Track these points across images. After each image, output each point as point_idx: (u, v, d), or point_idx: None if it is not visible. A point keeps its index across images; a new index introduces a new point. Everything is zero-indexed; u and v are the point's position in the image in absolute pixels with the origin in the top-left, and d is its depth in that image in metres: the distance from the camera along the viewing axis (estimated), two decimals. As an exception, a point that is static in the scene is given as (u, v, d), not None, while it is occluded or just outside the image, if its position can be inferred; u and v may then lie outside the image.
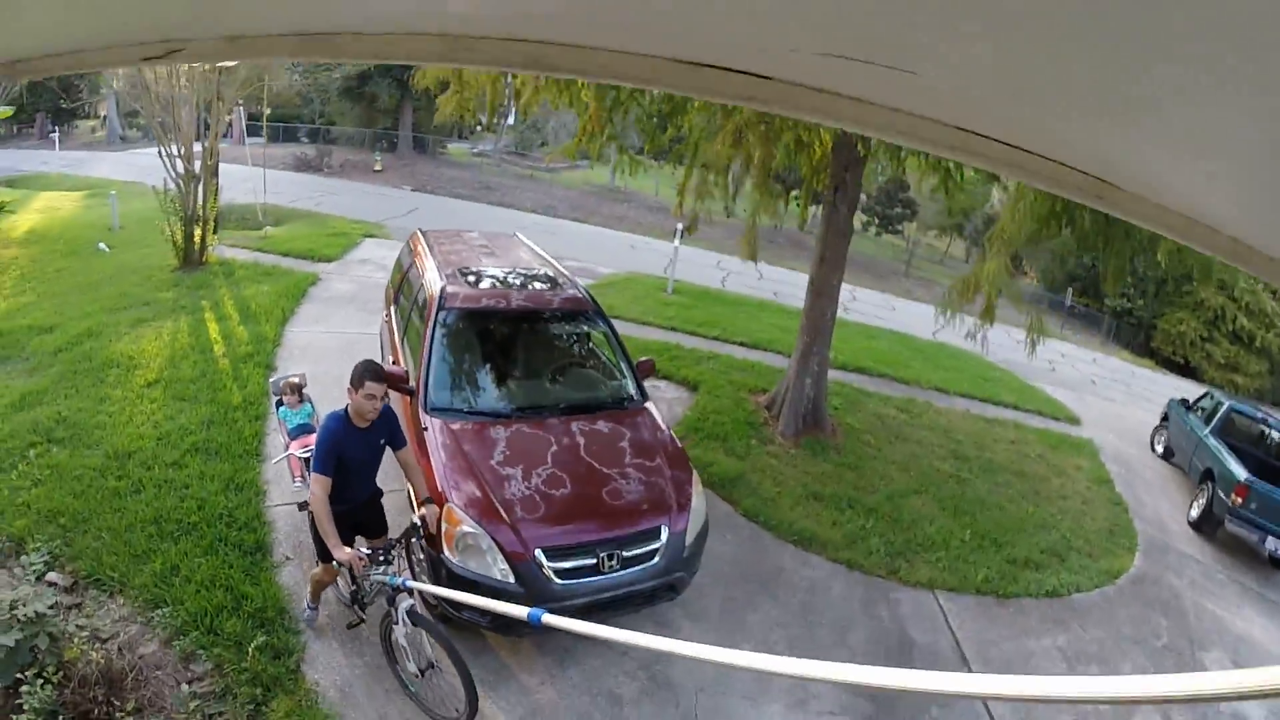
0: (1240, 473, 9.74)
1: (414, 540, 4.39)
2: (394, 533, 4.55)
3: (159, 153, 11.68)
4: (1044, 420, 12.59)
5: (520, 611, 2.35)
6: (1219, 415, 11.49)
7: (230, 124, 19.68)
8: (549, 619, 2.21)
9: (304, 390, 5.92)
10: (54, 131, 29.51)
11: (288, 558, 5.47)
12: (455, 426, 4.98)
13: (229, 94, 12.97)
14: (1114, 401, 16.22)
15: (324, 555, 4.33)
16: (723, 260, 20.32)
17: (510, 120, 32.37)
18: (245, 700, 4.23)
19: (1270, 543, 9.21)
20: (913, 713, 5.37)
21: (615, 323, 11.40)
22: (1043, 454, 10.90)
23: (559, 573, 4.28)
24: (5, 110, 11.26)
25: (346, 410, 4.16)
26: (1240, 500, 9.45)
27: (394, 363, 6.24)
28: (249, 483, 6.25)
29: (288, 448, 5.49)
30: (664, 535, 4.69)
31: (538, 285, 6.54)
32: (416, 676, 4.31)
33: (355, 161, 26.81)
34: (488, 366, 5.74)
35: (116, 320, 9.53)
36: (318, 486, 3.98)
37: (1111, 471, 10.90)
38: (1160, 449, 12.71)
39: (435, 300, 5.78)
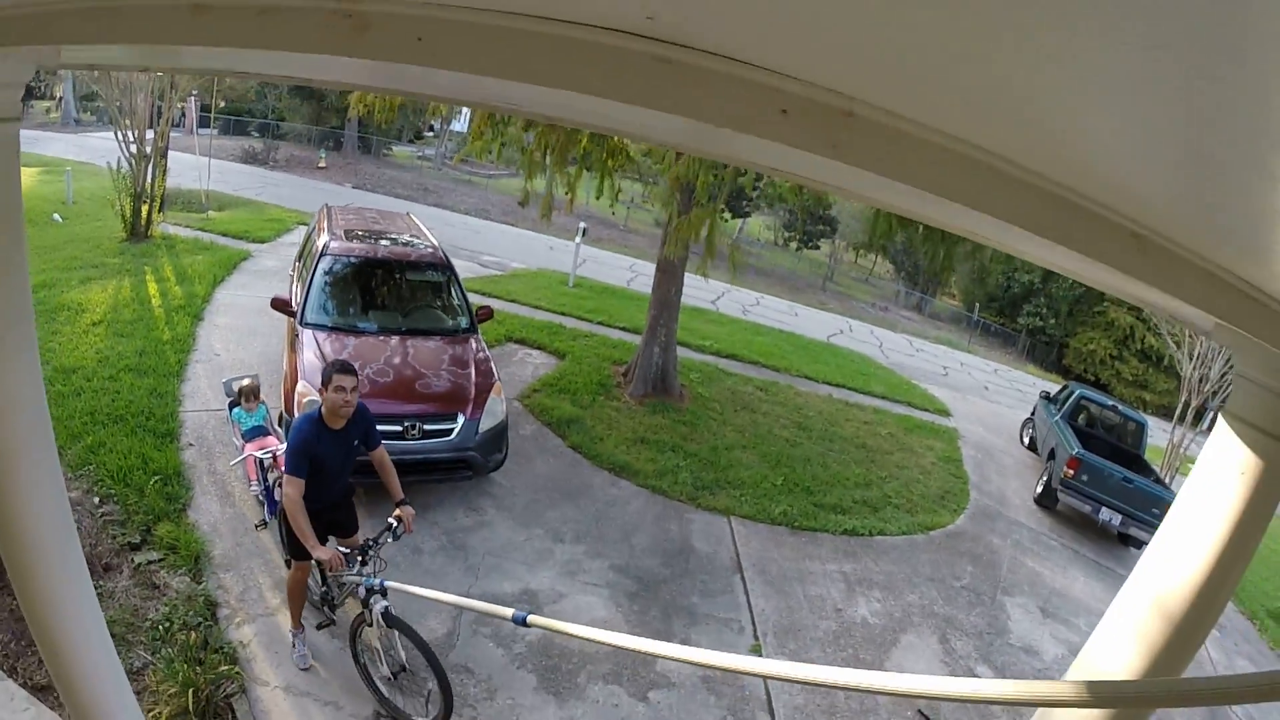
0: (1074, 446, 10.48)
1: (389, 540, 4.39)
2: (369, 533, 4.66)
3: (115, 134, 13.34)
4: (911, 410, 13.57)
5: (505, 612, 2.46)
6: (1069, 401, 12.44)
7: (184, 113, 21.18)
8: (534, 619, 2.33)
9: (259, 392, 6.24)
10: (7, 111, 30.27)
11: (191, 444, 7.20)
12: (319, 335, 6.85)
13: (183, 84, 14.65)
14: (998, 404, 17.21)
15: (296, 554, 4.46)
16: (635, 264, 22.19)
17: (456, 126, 34.07)
18: (139, 525, 5.85)
19: (1104, 513, 9.82)
20: (673, 594, 6.47)
21: (511, 306, 13.37)
22: (894, 434, 11.87)
23: None
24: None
25: (320, 411, 4.23)
26: (1072, 472, 10.09)
27: (288, 299, 8.04)
28: (169, 393, 7.94)
29: (243, 450, 5.76)
30: (460, 420, 6.55)
31: (403, 244, 8.56)
32: (389, 680, 4.42)
33: (301, 157, 28.40)
34: (351, 297, 7.64)
35: (68, 277, 11.11)
36: (292, 488, 4.02)
37: (965, 455, 11.81)
38: (1027, 440, 13.52)
39: (318, 249, 7.77)
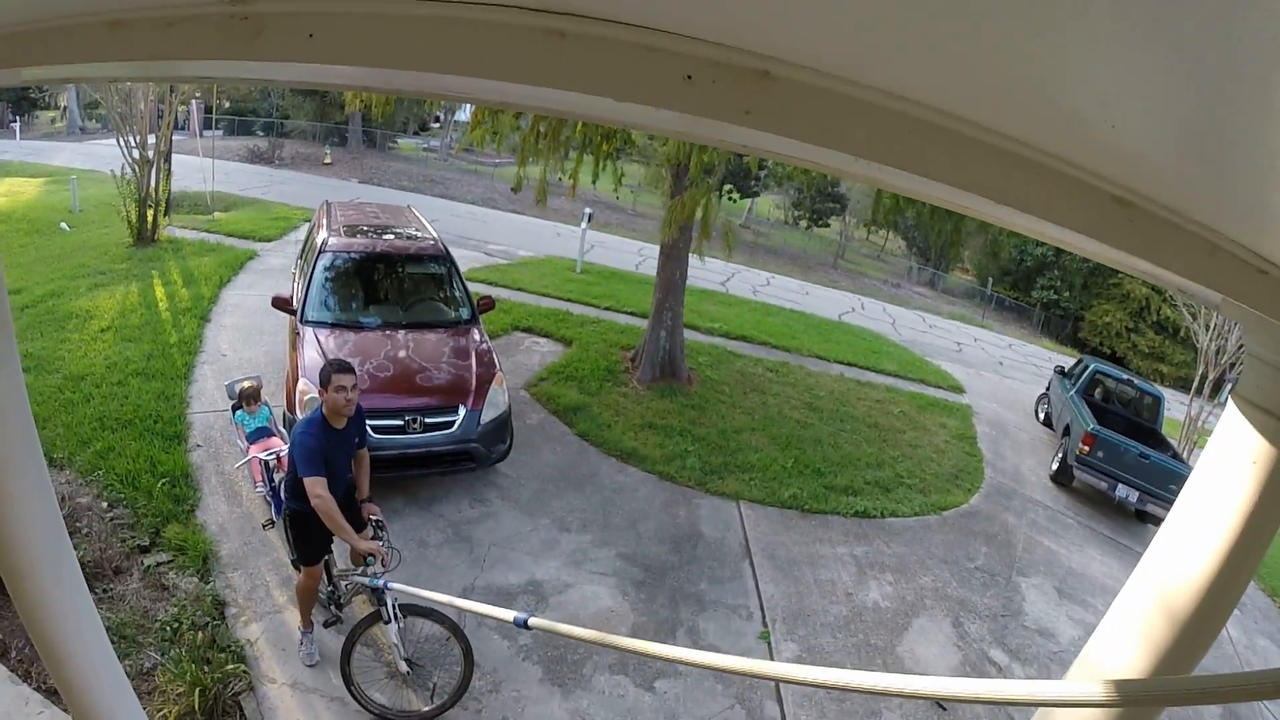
0: (1089, 422, 10.30)
1: (386, 538, 4.53)
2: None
3: (117, 141, 13.39)
4: (924, 387, 13.33)
5: (507, 615, 2.47)
6: (1084, 376, 12.23)
7: (187, 116, 21.24)
8: (535, 621, 2.33)
9: (261, 394, 6.16)
10: (14, 121, 30.60)
11: (199, 445, 7.23)
12: (319, 332, 6.84)
13: (184, 88, 14.68)
14: (1013, 380, 16.92)
15: (306, 559, 4.53)
16: (644, 248, 22.10)
17: (460, 117, 34.02)
18: (148, 527, 5.92)
19: (1120, 489, 9.63)
20: (680, 581, 6.43)
21: (518, 295, 13.32)
22: (907, 412, 11.68)
23: (374, 429, 6.09)
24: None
25: (321, 412, 4.26)
26: (1088, 449, 9.90)
27: (289, 297, 8.02)
28: (176, 396, 7.98)
29: (247, 452, 5.74)
30: (461, 412, 6.53)
31: (403, 239, 8.53)
32: (407, 671, 4.51)
33: (306, 154, 28.43)
34: (351, 293, 7.63)
35: (76, 285, 11.18)
36: (320, 488, 4.06)
37: (980, 431, 11.60)
38: (1042, 416, 13.28)
39: (317, 246, 7.76)
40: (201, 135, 21.61)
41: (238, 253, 13.59)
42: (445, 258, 8.19)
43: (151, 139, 13.72)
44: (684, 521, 7.37)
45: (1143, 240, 0.95)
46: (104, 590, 5.25)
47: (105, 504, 6.23)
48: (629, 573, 6.44)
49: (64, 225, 14.74)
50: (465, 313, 7.78)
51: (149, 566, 5.51)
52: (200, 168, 18.31)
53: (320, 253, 7.61)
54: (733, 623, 6.06)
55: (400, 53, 0.85)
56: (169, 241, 13.87)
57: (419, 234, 8.79)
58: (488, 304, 7.98)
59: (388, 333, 7.12)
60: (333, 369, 4.24)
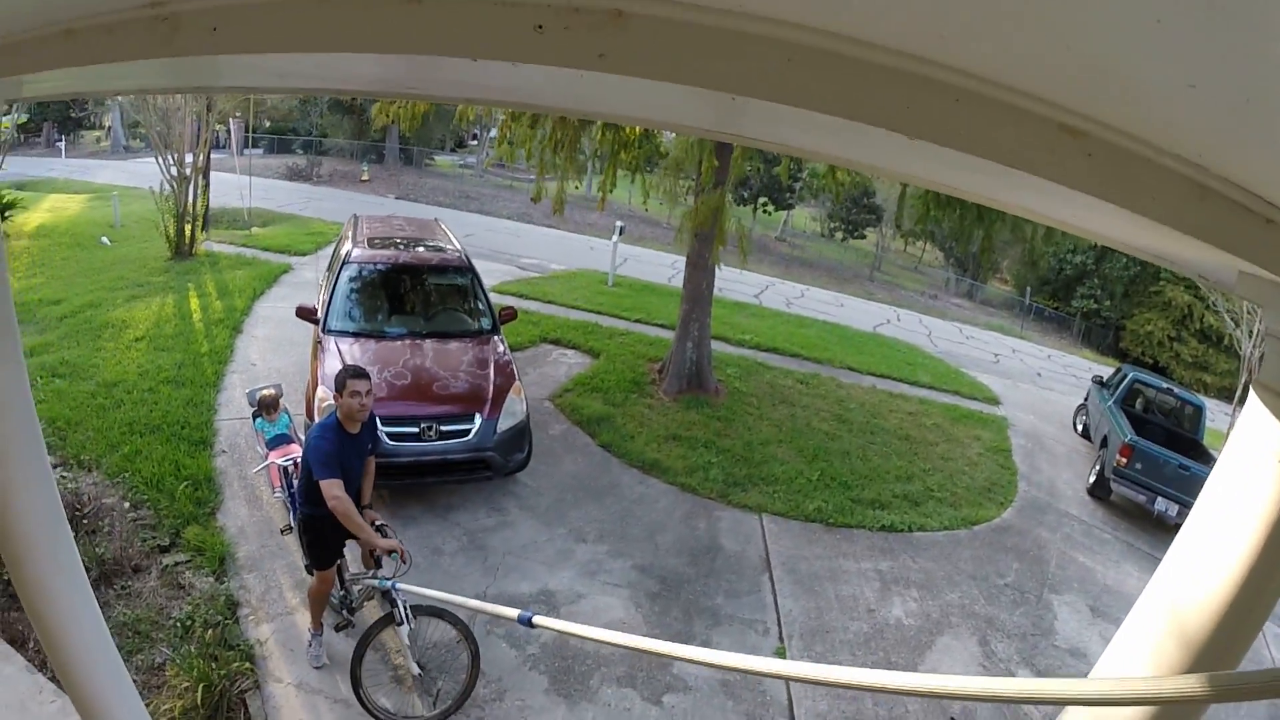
0: (1127, 433, 9.90)
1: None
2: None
3: (156, 159, 13.77)
4: (959, 399, 13.03)
5: (511, 613, 2.48)
6: (1123, 385, 11.74)
7: (228, 135, 21.79)
8: (540, 620, 2.32)
9: (281, 401, 6.13)
10: (60, 140, 31.60)
11: (223, 451, 7.32)
12: (341, 342, 6.91)
13: (224, 106, 15.08)
14: (1053, 390, 16.51)
15: (319, 563, 4.55)
16: (678, 261, 22.03)
17: (493, 134, 34.49)
18: (169, 528, 6.01)
19: (1160, 503, 9.28)
20: (696, 595, 6.30)
21: (548, 307, 13.35)
22: (940, 424, 11.35)
23: (390, 435, 6.09)
24: (19, 118, 13.29)
25: (336, 419, 4.30)
26: (1125, 461, 9.52)
27: (313, 308, 8.11)
28: (204, 403, 8.11)
29: (267, 458, 5.74)
30: (477, 421, 6.50)
31: (427, 251, 8.60)
32: (419, 674, 4.51)
33: (344, 171, 29.01)
34: (373, 303, 7.70)
35: (114, 296, 11.46)
36: (337, 489, 4.08)
37: (1015, 444, 11.27)
38: (1080, 427, 12.82)
39: (342, 258, 7.85)
40: (241, 153, 22.17)
41: (272, 266, 13.84)
42: (468, 269, 8.23)
43: (189, 157, 14.06)
44: (704, 534, 7.23)
45: (1102, 180, 0.82)
46: (122, 587, 5.33)
47: (129, 505, 6.34)
48: (644, 584, 6.33)
49: (105, 240, 15.16)
50: (486, 323, 7.81)
51: (167, 566, 5.58)
52: (238, 185, 18.74)
53: (344, 264, 7.72)
54: (748, 637, 5.90)
55: (289, 38, 0.87)
56: (206, 256, 14.18)
57: (443, 246, 8.85)
58: (510, 315, 8.00)
59: (408, 342, 7.16)
60: (348, 374, 4.27)
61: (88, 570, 5.28)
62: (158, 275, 12.81)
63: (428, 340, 7.25)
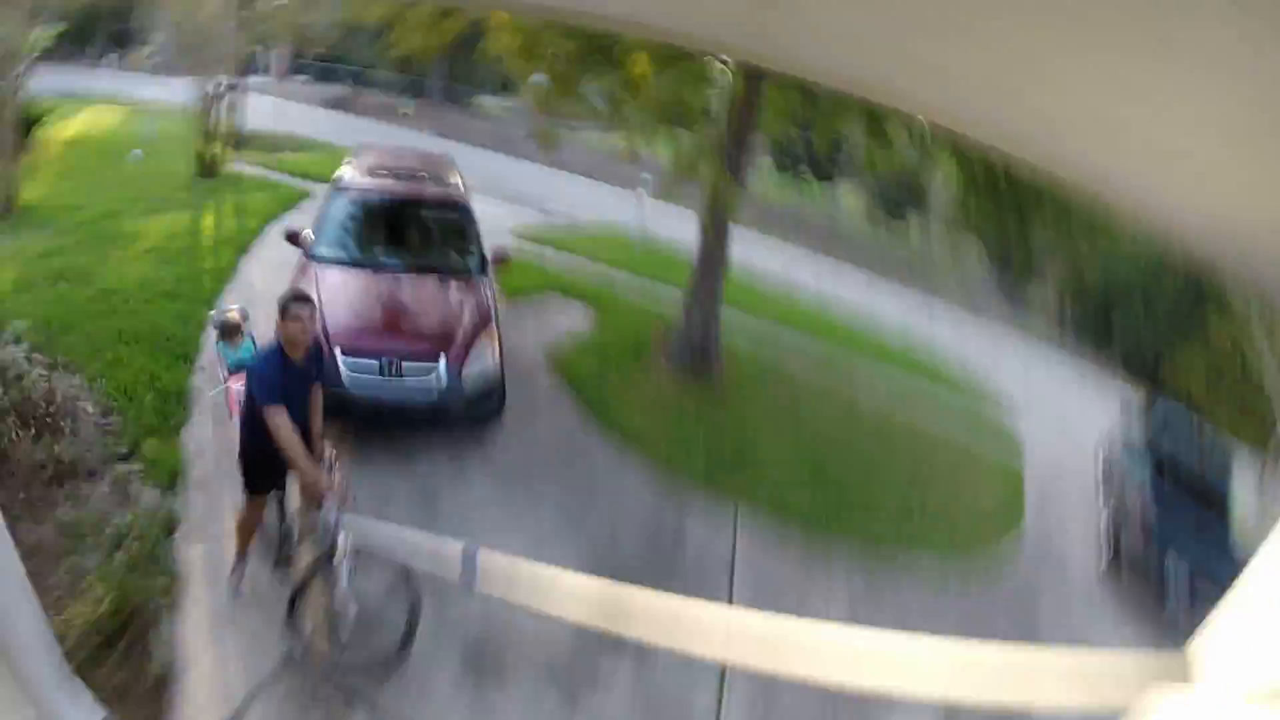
0: (1148, 475, 9.54)
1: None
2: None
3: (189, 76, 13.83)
4: (980, 409, 12.36)
5: (455, 546, 2.63)
6: (1152, 421, 11.38)
7: (273, 61, 21.78)
8: (486, 557, 2.42)
9: (243, 326, 6.13)
10: (110, 53, 32.03)
11: (202, 368, 7.35)
12: (321, 269, 6.91)
13: (267, 28, 15.01)
14: (1082, 416, 14.55)
15: (251, 485, 4.63)
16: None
17: (539, 78, 34.04)
18: (130, 439, 6.09)
19: (1171, 558, 8.68)
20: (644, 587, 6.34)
21: (564, 256, 13.05)
22: (954, 436, 10.55)
23: (349, 366, 6.04)
24: (55, 29, 13.37)
25: (279, 344, 4.31)
26: (1142, 506, 9.18)
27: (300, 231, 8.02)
28: (195, 319, 8.08)
29: (226, 381, 5.81)
30: (442, 363, 6.38)
31: (423, 184, 8.44)
32: (354, 617, 4.49)
33: (386, 105, 28.84)
34: (359, 233, 7.63)
35: (134, 208, 11.58)
36: (280, 416, 4.03)
37: (1029, 468, 10.38)
38: (1101, 459, 11.47)
39: (333, 184, 7.84)
40: (284, 79, 22.12)
41: (294, 191, 13.79)
42: (463, 206, 8.08)
43: (222, 77, 14.06)
44: (670, 519, 6.88)
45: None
46: (73, 489, 5.40)
47: (101, 411, 6.40)
48: (592, 566, 6.03)
49: (137, 153, 15.30)
50: (474, 263, 7.66)
51: (120, 474, 5.63)
52: (277, 109, 18.73)
53: (335, 190, 7.62)
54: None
55: None
56: (231, 175, 14.24)
57: (444, 181, 8.69)
58: (503, 258, 7.85)
59: (387, 275, 7.09)
60: (289, 298, 4.33)
61: (42, 468, 5.42)
62: (180, 191, 12.88)
63: (408, 276, 7.15)
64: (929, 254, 34.06)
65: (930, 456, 9.68)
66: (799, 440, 8.79)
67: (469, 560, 2.23)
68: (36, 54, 11.37)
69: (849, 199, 37.23)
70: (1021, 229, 8.61)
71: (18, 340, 6.77)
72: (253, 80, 16.19)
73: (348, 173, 8.19)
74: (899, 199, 33.60)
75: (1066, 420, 14.40)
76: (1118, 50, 0.61)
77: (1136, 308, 28.32)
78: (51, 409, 6.04)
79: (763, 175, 10.03)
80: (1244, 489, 10.52)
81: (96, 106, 20.64)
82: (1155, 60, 0.58)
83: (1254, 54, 0.49)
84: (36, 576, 4.48)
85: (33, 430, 5.79)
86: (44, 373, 6.49)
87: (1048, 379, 18.26)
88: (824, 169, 31.50)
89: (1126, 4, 0.56)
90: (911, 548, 7.49)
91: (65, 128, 16.84)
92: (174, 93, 23.15)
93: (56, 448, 5.57)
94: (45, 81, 17.65)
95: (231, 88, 14.38)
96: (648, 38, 7.34)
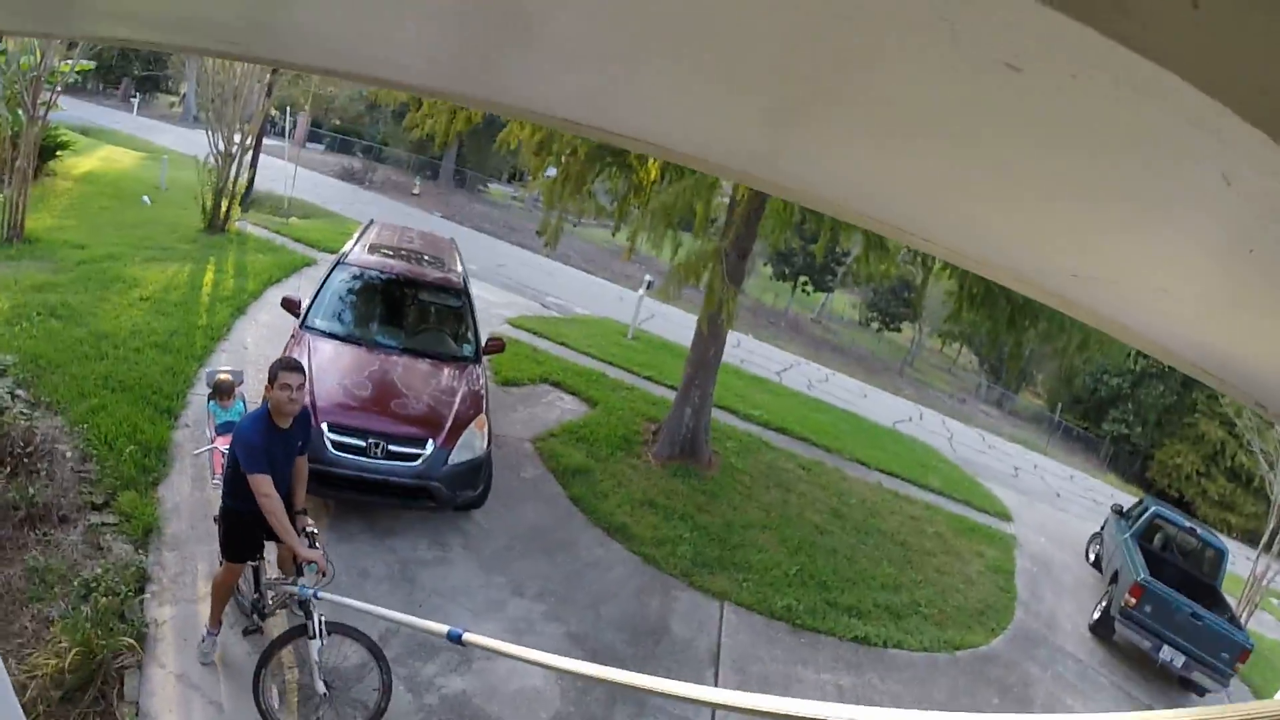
0: (1140, 571, 9.34)
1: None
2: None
3: (206, 132, 14.09)
4: (968, 510, 12.45)
5: (440, 629, 2.46)
6: (1142, 519, 11.17)
7: (294, 123, 22.32)
8: (469, 637, 2.32)
9: (237, 389, 6.01)
10: (135, 97, 32.73)
11: (187, 425, 7.19)
12: (315, 340, 6.84)
13: (287, 93, 15.47)
14: (1068, 513, 15.88)
15: (230, 554, 4.43)
16: (708, 325, 21.85)
17: (551, 173, 35.11)
18: (107, 489, 5.89)
19: (1165, 651, 8.67)
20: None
21: (559, 349, 13.13)
22: (942, 534, 10.82)
23: (335, 444, 5.91)
24: (86, 64, 13.62)
25: (266, 410, 4.22)
26: (1134, 600, 8.95)
27: (299, 300, 7.98)
28: (184, 374, 8.02)
29: (213, 441, 5.63)
30: (429, 447, 6.25)
31: (425, 267, 8.46)
32: (324, 695, 4.29)
33: (397, 181, 29.54)
34: (357, 308, 7.63)
35: (136, 254, 11.57)
36: (266, 485, 3.96)
37: (1019, 566, 10.75)
38: (1092, 557, 12.20)
39: (336, 259, 7.88)
40: (304, 146, 22.68)
41: (296, 257, 13.92)
42: (462, 293, 8.13)
43: (239, 136, 14.36)
44: (654, 612, 6.75)
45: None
46: (45, 534, 5.20)
47: (80, 456, 6.22)
48: (573, 655, 5.96)
49: (146, 199, 15.46)
50: (468, 350, 7.67)
51: (93, 524, 5.44)
52: (288, 173, 19.10)
53: (338, 264, 7.70)
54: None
55: None
56: (237, 234, 14.35)
57: (445, 265, 8.76)
58: (497, 346, 7.88)
59: (381, 354, 7.04)
60: (280, 366, 4.21)
61: (15, 509, 5.20)
62: (185, 243, 12.94)
63: (402, 356, 7.12)
64: (921, 360, 34.64)
65: (919, 558, 9.63)
66: (785, 541, 8.73)
67: (453, 638, 2.23)
68: (63, 85, 11.56)
69: (844, 305, 38.09)
70: (1014, 338, 8.75)
71: (3, 373, 6.63)
72: (270, 143, 16.45)
73: (352, 246, 8.24)
74: (894, 307, 34.41)
75: (1057, 520, 14.63)
76: (1107, 195, 0.66)
77: (1126, 411, 28.65)
78: (29, 449, 5.86)
79: (761, 280, 10.23)
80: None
81: (113, 147, 21.05)
82: (1142, 204, 0.63)
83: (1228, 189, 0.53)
84: (1, 620, 4.28)
85: (8, 469, 5.59)
86: (26, 411, 6.34)
87: (1038, 480, 18.48)
88: (822, 280, 32.32)
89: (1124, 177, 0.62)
90: (901, 645, 7.48)
91: (80, 163, 17.09)
92: (191, 145, 23.70)
93: (31, 489, 5.37)
94: (68, 113, 18.03)
95: (248, 148, 14.62)
96: (663, 159, 7.56)
